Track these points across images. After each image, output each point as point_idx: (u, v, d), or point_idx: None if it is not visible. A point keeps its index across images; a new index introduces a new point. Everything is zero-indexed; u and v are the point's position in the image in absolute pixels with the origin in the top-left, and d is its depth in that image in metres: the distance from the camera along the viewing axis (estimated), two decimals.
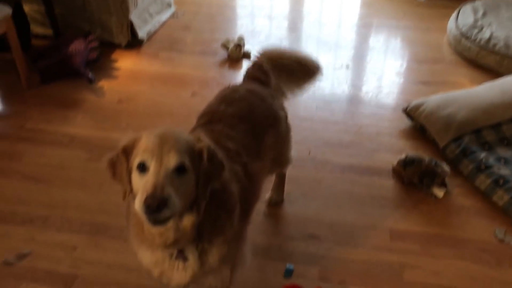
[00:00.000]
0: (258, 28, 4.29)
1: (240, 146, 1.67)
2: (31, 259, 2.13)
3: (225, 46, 3.80)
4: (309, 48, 4.01)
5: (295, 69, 2.19)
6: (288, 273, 2.09)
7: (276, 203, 2.45)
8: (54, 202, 2.43)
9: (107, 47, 3.77)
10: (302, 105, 3.17)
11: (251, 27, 4.33)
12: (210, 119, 1.78)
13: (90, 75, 3.37)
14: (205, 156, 1.29)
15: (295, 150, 2.30)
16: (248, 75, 2.11)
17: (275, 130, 1.93)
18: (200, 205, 1.31)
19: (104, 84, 3.42)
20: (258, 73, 2.09)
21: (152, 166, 1.21)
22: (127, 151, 1.29)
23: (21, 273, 2.06)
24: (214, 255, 1.46)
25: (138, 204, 1.18)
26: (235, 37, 3.82)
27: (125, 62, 3.69)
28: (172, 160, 1.21)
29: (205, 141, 1.32)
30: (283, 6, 4.79)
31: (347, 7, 4.73)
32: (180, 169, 1.23)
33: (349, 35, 4.22)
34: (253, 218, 1.80)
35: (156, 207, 1.15)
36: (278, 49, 2.28)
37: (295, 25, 4.39)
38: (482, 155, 2.61)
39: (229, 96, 1.89)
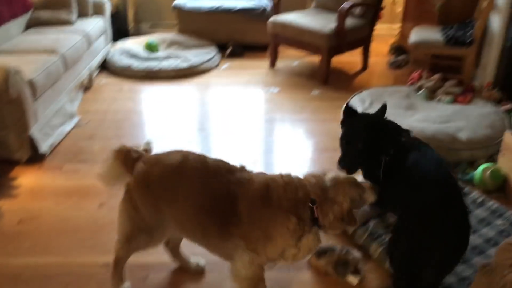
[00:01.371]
0: (166, 131, 4.35)
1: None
2: None
3: None
4: (218, 146, 4.12)
5: None
6: None
7: None
8: None
9: (6, 165, 3.59)
10: None
11: (159, 131, 4.38)
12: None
13: None
14: None
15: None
16: None
17: None
18: None
19: (3, 204, 3.20)
20: None
21: None
22: None
23: None
24: None
25: None
26: (142, 143, 3.82)
27: (26, 178, 3.52)
28: None
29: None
30: (190, 108, 4.93)
31: (252, 104, 4.99)
32: None
33: (255, 130, 4.41)
34: None
35: None
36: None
37: (202, 125, 4.52)
38: (388, 237, 2.73)
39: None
